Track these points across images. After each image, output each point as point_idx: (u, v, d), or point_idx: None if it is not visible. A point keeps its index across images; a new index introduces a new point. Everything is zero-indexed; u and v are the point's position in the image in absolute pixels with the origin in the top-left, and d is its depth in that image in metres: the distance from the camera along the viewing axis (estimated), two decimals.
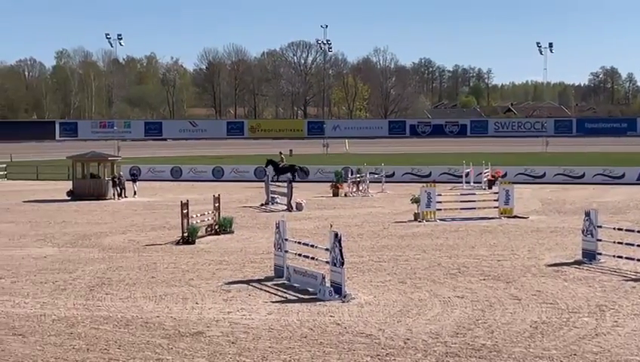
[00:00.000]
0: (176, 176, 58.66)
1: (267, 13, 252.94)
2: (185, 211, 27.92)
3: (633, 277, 21.20)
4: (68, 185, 46.81)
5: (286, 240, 21.51)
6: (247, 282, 20.97)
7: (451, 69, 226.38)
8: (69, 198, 44.27)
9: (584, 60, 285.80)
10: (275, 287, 20.27)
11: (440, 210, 34.17)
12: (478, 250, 25.96)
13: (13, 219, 35.65)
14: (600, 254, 23.26)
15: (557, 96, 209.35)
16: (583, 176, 53.70)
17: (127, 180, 46.51)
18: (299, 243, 22.06)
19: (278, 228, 21.75)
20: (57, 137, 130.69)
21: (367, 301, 18.62)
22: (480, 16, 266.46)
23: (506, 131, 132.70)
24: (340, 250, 18.76)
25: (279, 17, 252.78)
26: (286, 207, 38.31)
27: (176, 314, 17.54)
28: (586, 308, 17.82)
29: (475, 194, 39.82)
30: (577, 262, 23.34)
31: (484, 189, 46.44)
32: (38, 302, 18.99)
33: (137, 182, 47.13)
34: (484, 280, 21.04)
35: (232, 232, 30.08)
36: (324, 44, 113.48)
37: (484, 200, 36.34)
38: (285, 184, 39.83)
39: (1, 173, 61.70)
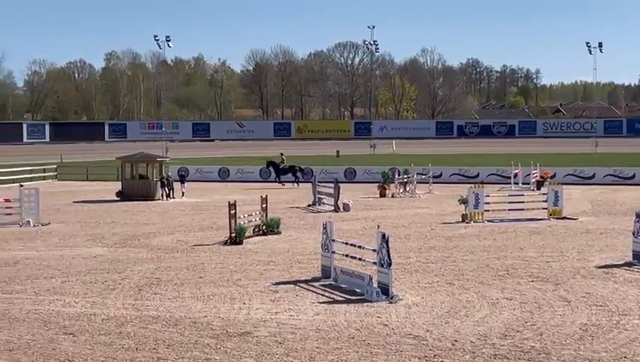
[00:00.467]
0: (223, 176, 58.98)
1: (314, 14, 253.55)
2: (232, 212, 28.05)
3: None
4: (117, 185, 47.30)
5: (333, 240, 21.50)
6: (295, 283, 21.01)
7: (499, 70, 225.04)
8: (118, 199, 44.72)
9: (634, 60, 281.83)
10: (323, 288, 20.27)
11: (488, 211, 33.92)
12: (526, 252, 25.74)
13: (63, 219, 36.09)
14: None
15: (606, 97, 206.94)
16: (633, 176, 53.01)
17: (176, 181, 46.88)
18: (346, 243, 22.02)
19: (325, 228, 21.75)
20: (106, 138, 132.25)
21: (415, 302, 18.54)
22: (528, 16, 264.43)
23: (554, 132, 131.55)
24: (388, 251, 18.72)
25: (326, 18, 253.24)
26: (333, 208, 38.32)
27: (224, 314, 17.62)
28: (636, 310, 17.58)
29: (523, 195, 39.47)
30: (628, 264, 23.02)
31: (533, 190, 46.09)
32: (88, 301, 19.20)
33: (186, 183, 47.45)
34: (532, 281, 20.85)
35: (280, 233, 30.16)
36: (372, 44, 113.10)
37: (532, 201, 36.02)
38: (332, 185, 39.80)
39: (52, 173, 62.55)
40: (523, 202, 36.05)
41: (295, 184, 52.43)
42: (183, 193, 45.97)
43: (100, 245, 28.30)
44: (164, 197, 45.00)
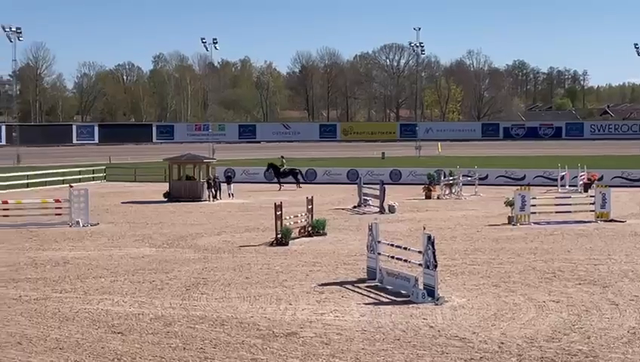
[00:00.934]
0: (269, 178, 59.15)
1: (360, 17, 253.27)
2: (278, 213, 28.18)
3: None
4: (164, 186, 47.72)
5: (379, 242, 21.52)
6: (340, 284, 21.05)
7: (546, 71, 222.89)
8: (166, 200, 45.12)
9: None
10: (368, 289, 20.29)
11: (534, 213, 33.71)
12: (573, 254, 25.53)
13: (112, 219, 36.51)
14: None
15: None
16: None
17: (222, 182, 47.18)
18: (391, 245, 22.03)
19: (370, 230, 21.78)
20: (154, 140, 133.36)
21: (461, 304, 18.50)
22: (575, 18, 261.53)
23: (602, 134, 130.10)
24: (433, 253, 18.70)
25: (372, 20, 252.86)
26: (378, 210, 38.31)
27: (271, 315, 17.71)
28: None
29: (570, 197, 39.16)
30: None
31: (580, 193, 45.66)
32: (136, 300, 19.41)
33: (232, 184, 47.70)
34: (579, 284, 20.69)
35: (325, 234, 30.23)
36: (417, 46, 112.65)
37: (579, 204, 35.72)
38: (378, 186, 39.78)
39: (101, 174, 63.29)
40: (570, 204, 35.78)
41: (297, 186, 52.45)
42: (230, 194, 46.24)
43: (148, 245, 28.59)
44: (211, 198, 45.32)
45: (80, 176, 60.24)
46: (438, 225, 32.84)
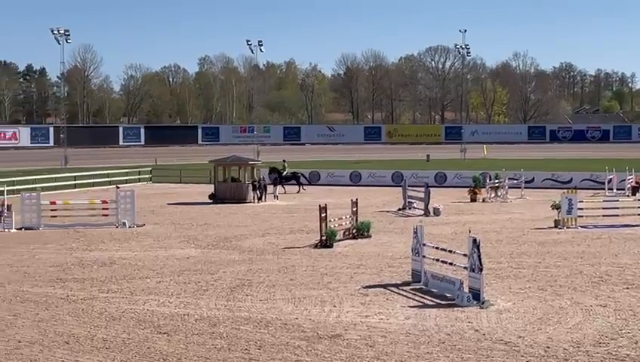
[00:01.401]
0: (314, 180, 59.28)
1: (405, 19, 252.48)
2: (323, 215, 28.22)
3: None
4: (210, 188, 48.02)
5: (424, 245, 21.47)
6: (385, 286, 21.03)
7: (593, 73, 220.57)
8: (211, 201, 45.40)
9: None
10: (413, 292, 20.25)
11: (581, 216, 33.39)
12: (621, 258, 25.23)
13: (158, 220, 36.83)
14: None
15: None
16: None
17: (269, 184, 47.36)
18: (436, 248, 21.95)
19: (415, 232, 21.72)
20: (199, 141, 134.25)
21: (506, 308, 18.38)
22: (623, 19, 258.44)
23: None
24: (479, 256, 18.61)
25: (417, 22, 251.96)
26: (423, 212, 38.20)
27: (315, 317, 17.75)
28: None
29: (618, 200, 38.68)
30: None
31: (628, 196, 45.09)
32: (181, 301, 19.56)
33: (279, 186, 47.81)
34: (627, 288, 20.45)
35: (370, 236, 30.22)
36: (463, 48, 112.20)
37: (627, 208, 35.30)
38: (422, 189, 39.65)
39: (147, 176, 63.85)
40: (617, 208, 35.36)
41: (301, 188, 52.15)
42: (275, 196, 46.38)
43: (193, 246, 28.79)
44: (256, 199, 45.52)
45: (126, 178, 60.85)
46: (484, 228, 32.66)
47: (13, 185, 46.82)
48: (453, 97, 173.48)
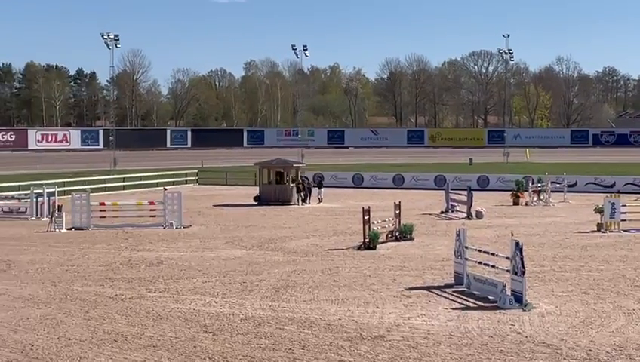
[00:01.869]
0: (357, 183, 59.37)
1: (448, 23, 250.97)
2: (366, 217, 28.40)
3: None
4: (255, 190, 48.35)
5: (466, 247, 21.57)
6: (427, 288, 21.17)
7: (637, 78, 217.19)
8: (256, 203, 45.73)
9: None
10: (455, 294, 20.37)
11: (624, 220, 33.16)
12: None
13: (204, 222, 37.21)
14: None
15: None
16: None
17: (314, 186, 47.56)
18: (479, 251, 22.04)
19: (458, 235, 21.83)
20: (245, 144, 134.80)
21: (549, 311, 18.43)
22: None
23: None
24: (521, 259, 18.69)
25: (461, 27, 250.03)
26: (466, 215, 38.21)
27: (358, 318, 17.94)
28: None
29: None
30: None
31: None
32: (227, 301, 19.86)
33: (323, 189, 47.99)
34: None
35: (413, 239, 30.33)
36: (506, 53, 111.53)
37: None
38: (465, 192, 39.63)
39: (193, 178, 64.38)
40: None
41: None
42: (319, 198, 46.58)
43: (239, 247, 29.12)
44: (300, 202, 45.78)
45: (173, 180, 61.35)
46: (526, 231, 32.61)
47: (64, 187, 47.56)
48: (495, 101, 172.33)
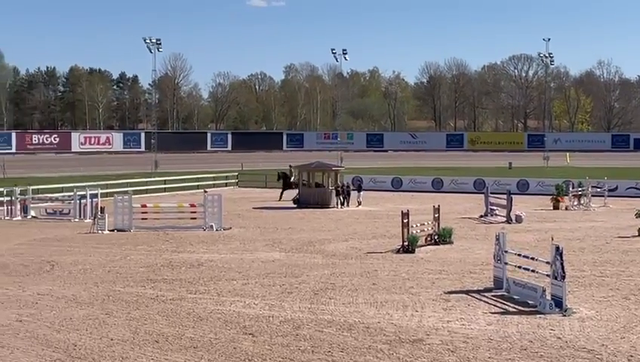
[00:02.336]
0: (396, 186, 59.33)
1: (488, 27, 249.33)
2: (405, 221, 28.42)
3: None
4: (294, 193, 48.49)
5: (506, 252, 21.52)
6: (467, 292, 21.15)
7: None
8: (295, 206, 45.91)
9: None
10: (494, 298, 20.33)
11: None
12: None
13: (244, 224, 37.42)
14: None
15: None
16: None
17: (353, 189, 47.63)
18: (519, 255, 21.97)
19: (497, 239, 21.78)
20: (284, 147, 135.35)
21: (589, 316, 18.34)
22: None
23: None
24: (561, 264, 18.62)
25: (500, 31, 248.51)
26: (505, 219, 38.05)
27: (397, 321, 17.98)
28: None
29: None
30: None
31: None
32: (266, 303, 19.98)
33: (362, 192, 48.03)
34: None
35: (452, 243, 30.29)
36: (546, 57, 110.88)
37: None
38: (505, 196, 39.47)
39: (233, 180, 64.75)
40: None
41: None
42: (359, 202, 46.62)
43: (278, 250, 29.27)
44: (339, 205, 45.86)
45: (214, 182, 61.77)
46: (566, 236, 32.41)
47: (107, 189, 48.08)
48: (535, 105, 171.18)
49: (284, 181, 52.52)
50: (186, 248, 29.84)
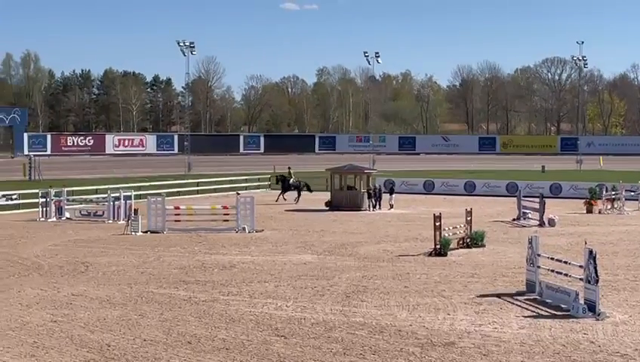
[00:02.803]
0: (428, 189, 59.16)
1: (521, 30, 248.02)
2: (437, 224, 28.38)
3: None
4: (326, 195, 48.53)
5: (538, 255, 21.44)
6: (499, 296, 21.10)
7: None
8: (327, 208, 45.93)
9: None
10: (527, 302, 20.26)
11: None
12: None
13: (276, 226, 37.53)
14: None
15: None
16: None
17: (385, 192, 47.58)
18: (551, 259, 21.88)
19: (530, 243, 21.71)
20: (316, 150, 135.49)
21: (623, 320, 18.23)
22: None
23: None
24: (595, 268, 18.53)
25: (533, 34, 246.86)
26: (538, 223, 37.87)
27: (429, 324, 17.99)
28: None
29: None
30: None
31: None
32: (298, 305, 20.06)
33: (394, 195, 47.94)
34: None
35: (484, 246, 30.20)
36: (580, 60, 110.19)
37: None
38: (537, 200, 39.28)
39: (266, 183, 64.86)
40: None
41: (297, 200, 50.64)
42: (390, 204, 46.57)
43: (310, 252, 29.33)
44: (371, 207, 45.85)
45: (246, 184, 61.94)
46: (600, 239, 32.19)
47: (140, 191, 48.42)
48: (569, 109, 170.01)
49: (283, 183, 52.86)
50: (219, 250, 29.99)
